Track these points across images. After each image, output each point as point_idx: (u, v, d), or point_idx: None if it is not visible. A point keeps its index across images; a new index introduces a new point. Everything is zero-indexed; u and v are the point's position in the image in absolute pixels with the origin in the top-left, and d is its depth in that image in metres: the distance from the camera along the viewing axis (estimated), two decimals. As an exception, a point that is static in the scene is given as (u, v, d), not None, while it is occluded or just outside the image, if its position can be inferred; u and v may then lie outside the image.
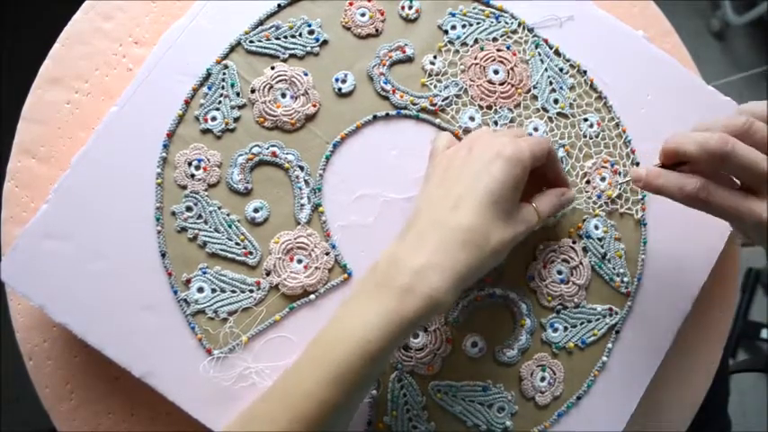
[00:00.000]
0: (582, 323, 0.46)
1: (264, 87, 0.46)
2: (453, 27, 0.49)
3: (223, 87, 0.46)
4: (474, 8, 0.49)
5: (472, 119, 0.48)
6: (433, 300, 0.35)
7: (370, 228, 0.45)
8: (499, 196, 0.38)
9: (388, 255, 0.38)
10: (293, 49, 0.47)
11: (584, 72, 0.49)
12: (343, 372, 0.34)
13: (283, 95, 0.46)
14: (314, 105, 0.46)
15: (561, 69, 0.49)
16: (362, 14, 0.48)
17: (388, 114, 0.47)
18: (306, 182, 0.45)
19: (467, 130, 0.48)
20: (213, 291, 0.43)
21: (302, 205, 0.45)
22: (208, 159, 0.45)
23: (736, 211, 0.37)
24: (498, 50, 0.49)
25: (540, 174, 0.43)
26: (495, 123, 0.48)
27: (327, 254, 0.45)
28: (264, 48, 0.47)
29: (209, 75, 0.46)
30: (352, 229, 0.45)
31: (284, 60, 0.47)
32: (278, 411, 0.35)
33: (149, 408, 0.46)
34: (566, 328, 0.46)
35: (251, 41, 0.47)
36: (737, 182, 0.39)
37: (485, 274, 0.40)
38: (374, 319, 0.35)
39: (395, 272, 0.36)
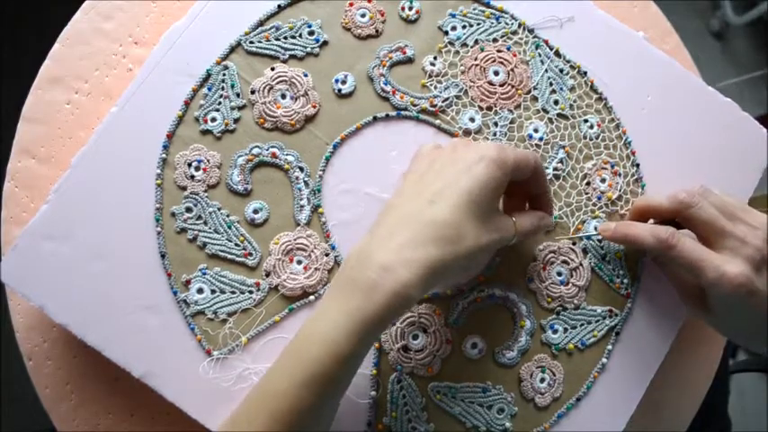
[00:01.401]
0: (582, 324, 0.46)
1: (264, 88, 0.46)
2: (453, 28, 0.49)
3: (223, 88, 0.46)
4: (474, 9, 0.49)
5: (472, 120, 0.48)
6: (400, 296, 0.34)
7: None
8: (478, 196, 0.37)
9: (356, 250, 0.37)
10: (293, 49, 0.47)
11: (585, 73, 0.49)
12: (314, 373, 0.34)
13: (283, 96, 0.46)
14: (314, 106, 0.46)
15: (561, 70, 0.49)
16: (363, 15, 0.48)
17: (388, 115, 0.47)
18: (305, 183, 0.45)
19: (467, 132, 0.48)
20: (213, 292, 0.43)
21: (302, 206, 0.45)
22: (207, 160, 0.45)
23: (699, 261, 0.40)
24: (498, 51, 0.49)
25: (526, 191, 0.43)
26: (496, 124, 0.48)
27: (327, 255, 0.45)
28: (264, 48, 0.47)
29: (208, 75, 0.46)
30: (352, 230, 0.45)
31: (284, 61, 0.47)
32: (256, 411, 0.35)
33: (149, 408, 0.46)
34: (565, 330, 0.46)
35: (251, 42, 0.47)
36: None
37: (466, 275, 0.41)
38: (341, 320, 0.34)
39: (362, 268, 0.35)
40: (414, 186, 0.39)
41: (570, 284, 0.46)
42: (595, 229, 0.47)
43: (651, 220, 0.46)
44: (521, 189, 0.43)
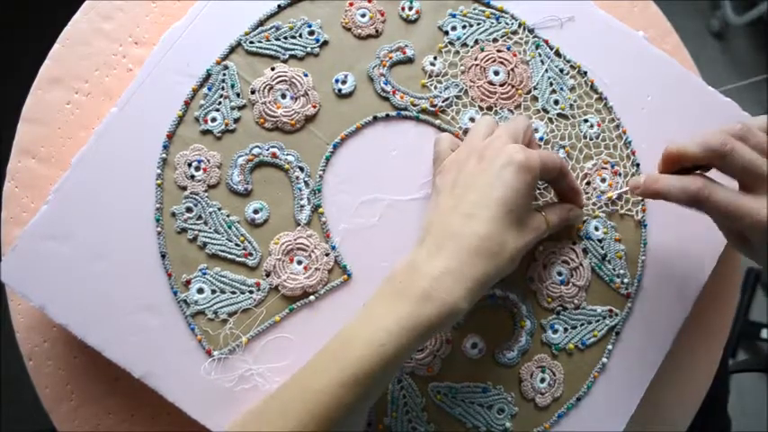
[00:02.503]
0: (582, 324, 0.46)
1: (264, 88, 0.46)
2: (453, 28, 0.49)
3: (223, 88, 0.46)
4: (474, 9, 0.49)
5: (472, 120, 0.48)
6: (450, 306, 0.35)
7: (369, 229, 0.45)
8: (513, 204, 0.38)
9: (406, 262, 0.38)
10: (293, 49, 0.47)
11: (585, 73, 0.49)
12: (357, 374, 0.34)
13: (283, 96, 0.46)
14: (314, 106, 0.46)
15: (562, 70, 0.49)
16: (363, 15, 0.48)
17: (388, 115, 0.47)
18: (306, 183, 0.45)
19: (467, 132, 0.48)
20: (213, 292, 0.43)
21: (302, 206, 0.45)
22: (208, 160, 0.45)
23: (735, 209, 0.38)
24: (499, 51, 0.49)
25: (554, 188, 0.45)
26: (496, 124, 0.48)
27: (327, 255, 0.45)
28: (264, 48, 0.47)
29: (209, 75, 0.46)
30: (352, 231, 0.45)
31: (284, 61, 0.47)
32: (290, 408, 0.35)
33: (149, 408, 0.46)
34: (566, 330, 0.46)
35: (251, 42, 0.46)
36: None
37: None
38: (391, 324, 0.35)
39: (413, 278, 0.36)
40: (448, 200, 0.39)
41: (570, 284, 0.46)
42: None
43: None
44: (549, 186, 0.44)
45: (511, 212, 0.38)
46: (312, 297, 0.44)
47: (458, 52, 0.49)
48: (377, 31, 0.48)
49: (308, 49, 0.47)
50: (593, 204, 0.48)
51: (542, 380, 0.45)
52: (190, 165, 0.45)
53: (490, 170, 0.38)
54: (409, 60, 0.48)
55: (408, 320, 0.35)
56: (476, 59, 0.48)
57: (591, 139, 0.49)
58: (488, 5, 0.50)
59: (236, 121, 0.46)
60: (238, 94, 0.46)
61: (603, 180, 0.48)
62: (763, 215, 0.37)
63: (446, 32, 0.49)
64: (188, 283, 0.43)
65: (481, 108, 0.48)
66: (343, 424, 0.35)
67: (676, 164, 0.41)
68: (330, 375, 0.35)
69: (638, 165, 0.49)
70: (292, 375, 0.37)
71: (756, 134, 0.39)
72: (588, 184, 0.48)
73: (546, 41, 0.49)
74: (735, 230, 0.42)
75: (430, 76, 0.48)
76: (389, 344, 0.35)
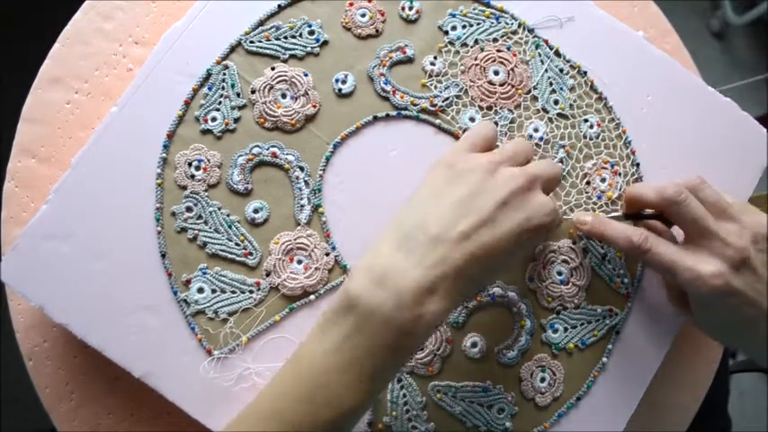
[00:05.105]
0: (582, 324, 0.46)
1: (265, 88, 0.46)
2: (453, 28, 0.49)
3: (223, 88, 0.46)
4: (474, 9, 0.49)
5: (472, 120, 0.48)
6: (435, 327, 0.35)
7: (369, 228, 0.45)
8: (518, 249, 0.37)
9: (382, 269, 0.35)
10: (293, 49, 0.47)
11: (585, 73, 0.49)
12: (337, 417, 0.34)
13: (283, 96, 0.46)
14: (314, 106, 0.46)
15: (561, 70, 0.49)
16: (363, 15, 0.48)
17: (388, 115, 0.47)
18: (306, 182, 0.45)
19: (466, 132, 0.48)
20: (213, 291, 0.43)
21: (302, 206, 0.45)
22: (208, 160, 0.45)
23: (674, 263, 0.40)
24: (498, 51, 0.49)
25: None
26: (496, 124, 0.48)
27: (327, 254, 0.45)
28: (265, 48, 0.47)
29: (209, 75, 0.46)
30: (352, 230, 0.45)
31: (284, 61, 0.47)
32: (299, 413, 0.34)
33: (149, 408, 0.46)
34: (566, 329, 0.46)
35: (251, 42, 0.47)
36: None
37: None
38: (375, 366, 0.34)
39: (397, 307, 0.34)
40: (451, 212, 0.36)
41: (570, 284, 0.46)
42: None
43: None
44: None
45: (514, 255, 0.37)
46: (312, 297, 0.44)
47: (458, 52, 0.49)
48: (377, 30, 0.48)
49: (308, 49, 0.47)
50: (594, 204, 0.48)
51: (542, 379, 0.45)
52: (190, 164, 0.45)
53: (508, 223, 0.36)
54: (409, 60, 0.48)
55: (393, 351, 0.34)
56: (476, 59, 0.48)
57: (591, 139, 0.49)
58: (488, 5, 0.50)
59: (237, 120, 0.46)
60: (238, 94, 0.46)
61: (603, 180, 0.48)
62: (700, 270, 0.39)
63: (446, 32, 0.49)
64: (188, 282, 0.43)
65: (481, 108, 0.48)
66: (348, 427, 0.36)
67: (635, 206, 0.45)
68: (314, 417, 0.34)
69: (637, 164, 0.49)
70: (263, 378, 0.37)
71: (707, 189, 0.42)
72: (588, 183, 0.48)
73: (546, 41, 0.50)
74: (676, 289, 0.44)
75: (430, 76, 0.48)
76: (368, 380, 0.34)
